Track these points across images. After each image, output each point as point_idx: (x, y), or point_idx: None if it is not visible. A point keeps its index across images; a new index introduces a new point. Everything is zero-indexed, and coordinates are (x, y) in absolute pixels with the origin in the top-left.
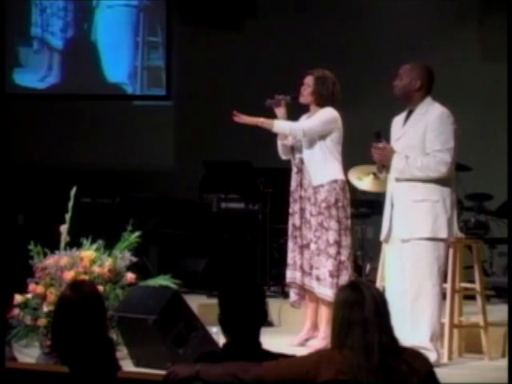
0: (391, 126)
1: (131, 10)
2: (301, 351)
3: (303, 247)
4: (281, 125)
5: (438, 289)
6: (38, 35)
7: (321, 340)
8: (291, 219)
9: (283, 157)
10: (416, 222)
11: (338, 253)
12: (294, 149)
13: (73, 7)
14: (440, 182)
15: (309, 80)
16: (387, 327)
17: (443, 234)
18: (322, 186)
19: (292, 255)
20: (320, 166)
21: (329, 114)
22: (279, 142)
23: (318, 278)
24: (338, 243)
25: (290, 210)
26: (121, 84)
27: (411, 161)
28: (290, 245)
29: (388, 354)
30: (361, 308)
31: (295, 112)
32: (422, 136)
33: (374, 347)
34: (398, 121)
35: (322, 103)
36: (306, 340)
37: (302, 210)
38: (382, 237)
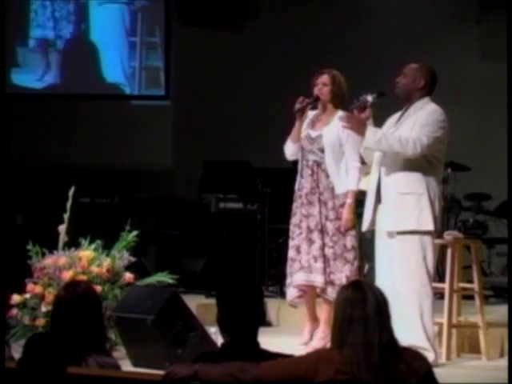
0: (384, 125)
1: (129, 10)
2: (300, 351)
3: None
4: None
5: (427, 288)
6: (36, 35)
7: (319, 340)
8: (305, 221)
9: (290, 158)
10: (402, 215)
11: (355, 258)
12: (304, 150)
13: (71, 7)
14: (424, 174)
15: (325, 79)
16: (387, 327)
17: (429, 227)
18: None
19: (306, 258)
20: (342, 173)
21: None
22: (291, 145)
23: (332, 283)
24: (356, 249)
25: (304, 212)
26: (119, 84)
27: (389, 134)
28: (304, 247)
29: (387, 353)
30: (362, 306)
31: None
32: (411, 127)
33: (374, 346)
34: (393, 119)
35: (335, 102)
36: (312, 334)
37: (319, 213)
38: (364, 228)
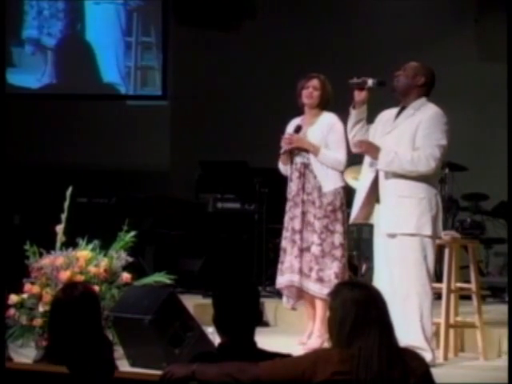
0: (377, 119)
1: (124, 10)
2: (297, 351)
3: (303, 250)
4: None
5: (427, 288)
6: (31, 35)
7: (317, 338)
8: (290, 223)
9: (285, 174)
10: (401, 217)
11: (343, 255)
12: (292, 154)
13: (66, 7)
14: (425, 180)
15: (316, 83)
16: (391, 326)
17: (427, 231)
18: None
19: (289, 258)
20: (329, 172)
21: (340, 126)
22: (282, 166)
23: (321, 280)
24: (343, 246)
25: (290, 215)
26: (114, 84)
27: (401, 154)
28: (288, 249)
29: (389, 354)
30: (377, 307)
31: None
32: (413, 131)
33: (383, 346)
34: (387, 115)
35: (321, 105)
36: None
37: (304, 213)
38: (350, 220)
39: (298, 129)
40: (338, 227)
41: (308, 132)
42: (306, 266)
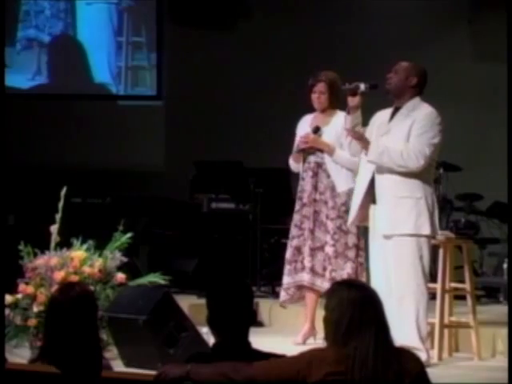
0: (371, 121)
1: (116, 10)
2: (291, 351)
3: (315, 250)
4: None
5: (422, 288)
6: (23, 35)
7: None
8: (305, 222)
9: (295, 171)
10: (399, 218)
11: (357, 255)
12: (305, 153)
13: (59, 7)
14: (422, 179)
15: (322, 87)
16: (387, 326)
17: (426, 231)
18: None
19: (302, 257)
20: (343, 172)
21: None
22: (294, 163)
23: (333, 280)
24: (357, 246)
25: (303, 213)
26: (106, 84)
27: (392, 148)
28: (303, 247)
29: (384, 354)
30: (373, 307)
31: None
32: (407, 131)
33: (379, 346)
34: (381, 116)
35: (333, 105)
36: (306, 339)
37: (316, 212)
38: (348, 223)
39: (316, 129)
40: (352, 228)
41: (323, 132)
42: (318, 265)
